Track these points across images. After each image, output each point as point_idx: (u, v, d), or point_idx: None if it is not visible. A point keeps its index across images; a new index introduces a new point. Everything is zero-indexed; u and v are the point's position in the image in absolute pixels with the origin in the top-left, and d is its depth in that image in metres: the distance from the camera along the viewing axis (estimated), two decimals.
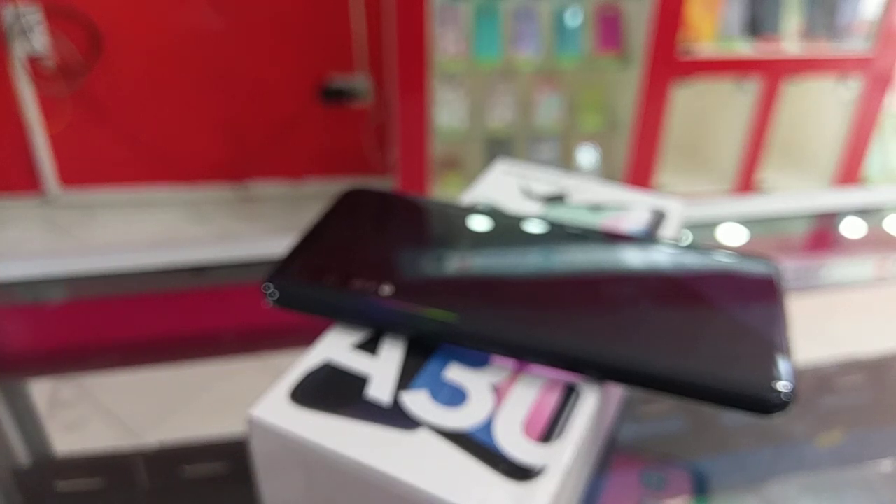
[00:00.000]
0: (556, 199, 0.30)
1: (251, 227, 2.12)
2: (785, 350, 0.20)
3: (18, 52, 1.88)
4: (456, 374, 0.21)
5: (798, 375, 0.20)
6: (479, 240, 0.25)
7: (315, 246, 0.25)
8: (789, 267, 0.42)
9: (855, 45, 1.89)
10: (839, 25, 1.86)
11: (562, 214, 0.29)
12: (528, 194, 0.31)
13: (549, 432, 0.19)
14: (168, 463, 0.29)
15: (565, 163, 2.01)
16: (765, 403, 0.19)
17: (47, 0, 1.85)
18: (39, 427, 0.31)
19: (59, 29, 1.89)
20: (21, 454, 0.30)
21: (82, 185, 2.13)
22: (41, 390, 0.33)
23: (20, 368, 0.35)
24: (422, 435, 0.19)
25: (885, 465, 0.29)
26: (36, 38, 1.89)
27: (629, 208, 0.30)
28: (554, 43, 1.83)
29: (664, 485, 0.27)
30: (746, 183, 2.02)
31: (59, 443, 0.30)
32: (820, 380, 0.33)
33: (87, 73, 1.95)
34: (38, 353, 0.36)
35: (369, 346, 0.22)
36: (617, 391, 0.25)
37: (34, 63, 1.91)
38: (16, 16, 1.83)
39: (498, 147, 1.99)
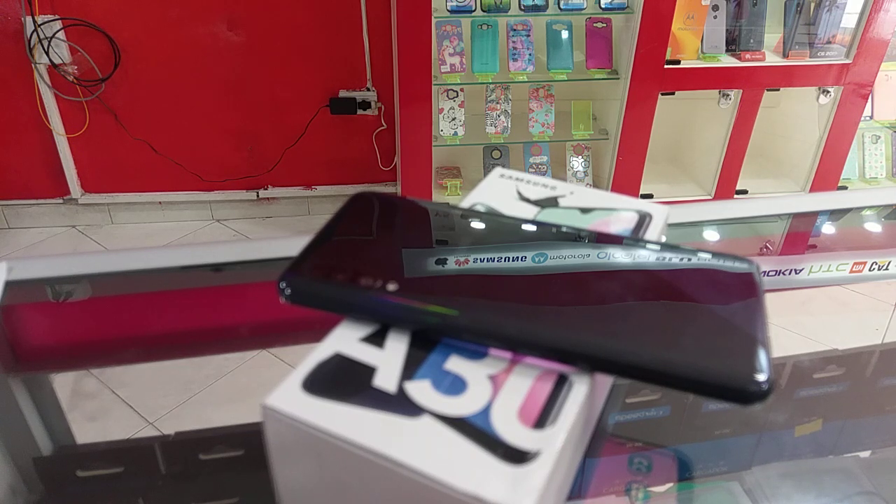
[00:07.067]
0: (548, 202, 0.31)
1: (266, 229, 2.16)
2: (764, 343, 0.21)
3: (40, 63, 1.89)
4: (456, 364, 0.22)
5: (776, 367, 0.21)
6: (478, 240, 0.26)
7: (326, 246, 0.26)
8: (768, 265, 0.44)
9: (834, 56, 1.91)
10: (819, 38, 1.88)
11: (554, 217, 0.30)
12: (523, 198, 0.32)
13: (542, 419, 0.20)
14: (185, 451, 0.29)
15: (557, 169, 2.05)
16: (745, 393, 0.20)
17: (67, 12, 1.86)
18: (62, 418, 0.32)
19: (80, 41, 1.90)
20: (44, 444, 0.31)
21: (103, 190, 2.15)
22: (64, 383, 0.34)
23: (44, 362, 0.36)
24: (425, 421, 0.20)
25: (863, 454, 0.30)
26: (57, 49, 1.89)
27: (617, 211, 0.31)
28: (547, 57, 1.87)
29: (650, 469, 0.28)
30: (727, 191, 2.05)
31: (80, 432, 0.31)
32: (798, 372, 0.34)
33: (107, 84, 1.96)
34: (62, 348, 0.37)
35: (376, 340, 0.23)
36: (606, 381, 0.26)
37: (55, 73, 1.92)
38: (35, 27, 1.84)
39: (494, 154, 2.02)
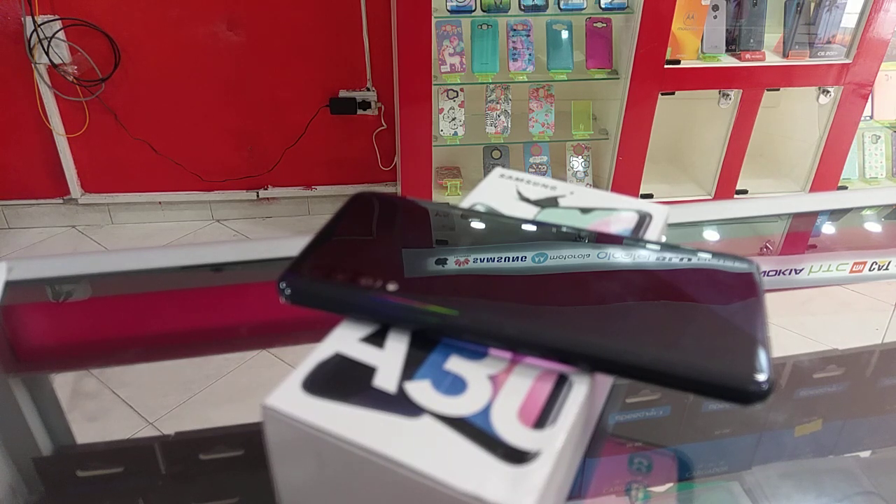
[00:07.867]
0: (548, 202, 0.31)
1: (266, 229, 2.16)
2: (764, 343, 0.21)
3: (40, 63, 1.89)
4: (456, 364, 0.22)
5: (776, 367, 0.21)
6: (478, 240, 0.26)
7: (326, 246, 0.26)
8: (768, 265, 0.44)
9: (834, 56, 1.91)
10: (819, 38, 1.88)
11: (554, 217, 0.30)
12: (523, 199, 0.32)
13: (542, 419, 0.20)
14: (185, 451, 0.29)
15: (557, 169, 2.05)
16: (745, 393, 0.20)
17: (67, 12, 1.86)
18: (62, 418, 0.32)
19: (80, 41, 1.90)
20: (44, 444, 0.31)
21: (103, 190, 2.15)
22: (64, 383, 0.34)
23: (44, 362, 0.36)
24: (425, 421, 0.20)
25: (863, 454, 0.30)
26: (57, 49, 1.89)
27: (617, 211, 0.31)
28: (547, 57, 1.88)
29: (650, 469, 0.28)
30: (727, 191, 2.05)
31: (80, 432, 0.31)
32: (798, 372, 0.34)
33: (107, 84, 1.97)
34: (62, 348, 0.37)
35: (376, 340, 0.23)
36: (606, 381, 0.26)
37: (55, 73, 1.92)
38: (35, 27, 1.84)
39: (494, 154, 2.02)
